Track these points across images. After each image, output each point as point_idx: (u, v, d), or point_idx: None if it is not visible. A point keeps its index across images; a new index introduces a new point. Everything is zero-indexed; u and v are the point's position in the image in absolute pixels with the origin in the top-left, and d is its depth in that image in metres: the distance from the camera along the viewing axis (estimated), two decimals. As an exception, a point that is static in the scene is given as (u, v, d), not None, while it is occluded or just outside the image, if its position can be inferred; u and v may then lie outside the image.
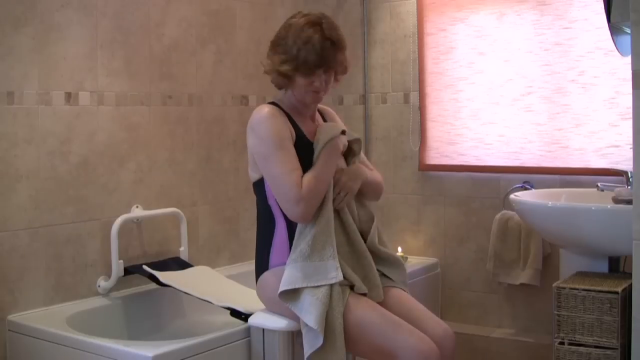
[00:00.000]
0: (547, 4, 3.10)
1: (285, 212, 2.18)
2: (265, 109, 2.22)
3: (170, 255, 2.99)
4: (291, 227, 2.23)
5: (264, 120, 2.19)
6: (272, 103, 2.27)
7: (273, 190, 2.19)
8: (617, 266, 2.71)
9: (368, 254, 2.28)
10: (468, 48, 3.31)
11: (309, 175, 2.16)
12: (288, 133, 2.20)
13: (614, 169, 2.82)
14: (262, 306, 2.33)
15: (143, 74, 2.91)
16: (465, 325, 3.34)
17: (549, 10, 3.10)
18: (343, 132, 2.29)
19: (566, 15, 3.05)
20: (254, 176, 2.28)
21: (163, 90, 3.00)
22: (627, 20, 2.42)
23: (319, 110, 2.40)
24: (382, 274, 2.31)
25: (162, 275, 2.69)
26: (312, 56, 2.15)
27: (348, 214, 2.27)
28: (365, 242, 2.29)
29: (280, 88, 2.28)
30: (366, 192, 2.35)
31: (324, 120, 2.41)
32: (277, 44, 2.23)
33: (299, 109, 2.28)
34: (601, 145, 3.00)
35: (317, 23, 2.19)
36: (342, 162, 2.31)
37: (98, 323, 2.59)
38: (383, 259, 2.33)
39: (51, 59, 2.60)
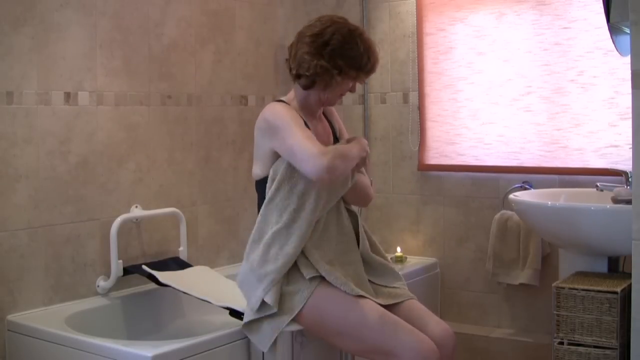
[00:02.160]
0: (546, 4, 3.10)
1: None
2: (276, 103, 2.24)
3: (169, 255, 2.99)
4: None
5: (277, 106, 2.21)
6: (281, 102, 2.27)
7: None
8: (617, 266, 2.71)
9: (360, 262, 2.28)
10: (467, 48, 3.31)
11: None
12: (301, 121, 2.19)
13: (613, 169, 2.82)
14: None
15: (142, 73, 2.91)
16: (465, 325, 3.34)
17: (548, 10, 3.09)
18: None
19: (565, 15, 3.05)
20: (258, 174, 2.27)
21: (162, 90, 2.99)
22: (626, 20, 2.42)
23: None
24: (374, 283, 2.28)
25: (162, 275, 2.69)
26: (373, 63, 2.20)
27: (345, 218, 2.28)
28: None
29: (307, 89, 2.23)
30: (352, 197, 2.33)
31: (325, 116, 2.40)
32: (323, 45, 2.17)
33: (310, 109, 2.29)
34: (600, 145, 3.00)
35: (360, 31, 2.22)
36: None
37: (97, 323, 2.59)
38: (374, 268, 2.32)
39: (50, 58, 2.59)
